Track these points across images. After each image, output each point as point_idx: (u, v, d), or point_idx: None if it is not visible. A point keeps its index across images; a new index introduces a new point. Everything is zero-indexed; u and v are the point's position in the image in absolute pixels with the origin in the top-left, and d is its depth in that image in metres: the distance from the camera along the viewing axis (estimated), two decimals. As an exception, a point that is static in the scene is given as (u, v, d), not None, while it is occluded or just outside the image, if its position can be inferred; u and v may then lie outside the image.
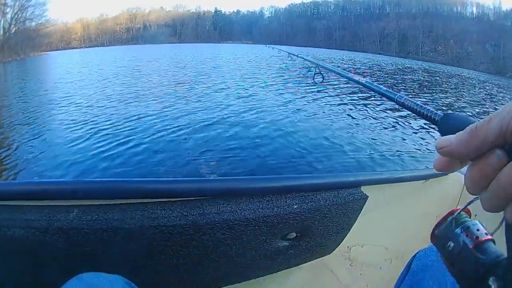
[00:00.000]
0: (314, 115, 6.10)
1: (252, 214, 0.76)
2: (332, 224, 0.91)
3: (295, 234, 0.89)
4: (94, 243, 0.70)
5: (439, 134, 0.32)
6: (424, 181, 1.04)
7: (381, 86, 0.55)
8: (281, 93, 8.16)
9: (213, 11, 76.99)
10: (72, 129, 5.05)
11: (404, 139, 5.01)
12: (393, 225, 1.10)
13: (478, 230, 0.37)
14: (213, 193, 0.75)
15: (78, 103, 7.19)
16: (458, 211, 0.38)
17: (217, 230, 0.75)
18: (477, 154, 0.23)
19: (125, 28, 74.40)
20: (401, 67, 23.26)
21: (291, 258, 0.96)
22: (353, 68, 18.92)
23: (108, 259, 0.74)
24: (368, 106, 7.18)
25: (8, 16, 34.01)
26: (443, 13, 52.91)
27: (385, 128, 5.56)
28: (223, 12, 77.84)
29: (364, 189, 0.91)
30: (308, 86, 8.69)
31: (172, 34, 73.68)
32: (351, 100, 7.65)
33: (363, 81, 0.65)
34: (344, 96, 7.98)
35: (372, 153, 4.22)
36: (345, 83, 9.08)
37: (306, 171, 3.57)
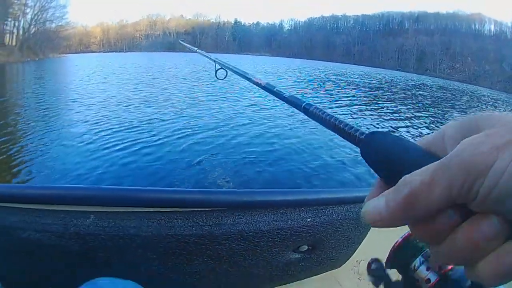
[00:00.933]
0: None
1: (266, 226, 0.80)
2: (344, 238, 0.95)
3: (307, 247, 0.93)
4: (109, 249, 0.73)
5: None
6: None
7: (285, 91, 0.44)
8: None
9: (233, 22, 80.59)
10: (90, 134, 5.20)
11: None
12: None
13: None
14: (229, 204, 0.78)
15: (96, 108, 7.40)
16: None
17: (232, 240, 0.79)
18: (418, 221, 0.18)
19: (145, 34, 77.84)
20: (417, 85, 24.17)
21: (302, 270, 1.00)
22: (368, 83, 19.97)
23: (123, 266, 0.78)
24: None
25: (28, 16, 34.99)
26: (461, 30, 55.08)
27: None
28: (243, 23, 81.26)
29: None
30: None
31: (192, 43, 75.96)
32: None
33: (263, 84, 0.53)
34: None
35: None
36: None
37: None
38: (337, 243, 0.95)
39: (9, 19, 32.89)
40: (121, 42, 73.46)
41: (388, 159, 0.21)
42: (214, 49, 72.70)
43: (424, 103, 13.24)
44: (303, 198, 0.84)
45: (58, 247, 0.72)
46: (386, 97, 13.87)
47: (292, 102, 0.41)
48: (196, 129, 5.74)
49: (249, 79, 0.61)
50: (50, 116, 6.59)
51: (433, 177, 0.17)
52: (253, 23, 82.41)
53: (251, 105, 8.61)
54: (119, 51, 66.28)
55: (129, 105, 7.88)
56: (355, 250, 1.05)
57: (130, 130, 5.43)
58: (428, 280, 0.34)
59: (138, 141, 4.85)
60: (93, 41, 70.26)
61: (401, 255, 0.38)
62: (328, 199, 0.87)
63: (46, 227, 0.70)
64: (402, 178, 0.18)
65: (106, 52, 63.15)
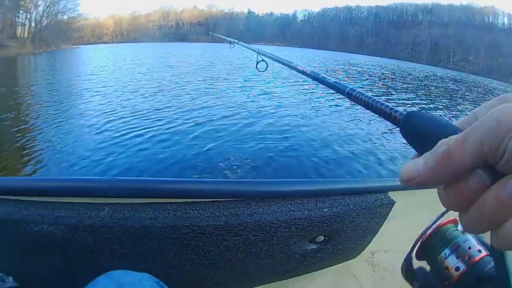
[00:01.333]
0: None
1: (283, 216, 0.79)
2: (360, 228, 0.95)
3: (323, 238, 0.92)
4: (125, 241, 0.73)
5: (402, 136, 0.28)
6: None
7: (329, 77, 0.49)
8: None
9: (246, 12, 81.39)
10: (104, 125, 5.16)
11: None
12: (417, 231, 0.92)
13: (470, 248, 0.35)
14: (246, 194, 0.77)
15: (110, 98, 7.36)
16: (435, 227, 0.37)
17: (249, 231, 0.77)
18: (452, 179, 0.20)
19: (158, 25, 78.72)
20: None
21: (317, 261, 0.99)
22: (381, 73, 20.21)
23: (138, 258, 0.77)
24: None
25: (40, 8, 35.60)
26: (474, 23, 55.70)
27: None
28: (256, 14, 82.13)
29: (391, 194, 0.95)
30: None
31: (205, 33, 77.74)
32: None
33: (308, 71, 0.59)
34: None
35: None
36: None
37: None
38: (352, 233, 0.96)
39: (21, 12, 33.49)
40: (133, 33, 73.93)
41: (426, 135, 0.23)
42: (228, 40, 73.60)
43: (435, 93, 13.66)
44: (321, 188, 0.84)
45: (72, 240, 0.71)
46: (399, 87, 14.36)
47: (336, 87, 0.44)
48: (211, 118, 5.80)
49: (295, 68, 0.65)
50: (63, 107, 6.68)
51: (466, 135, 0.19)
52: (266, 13, 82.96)
53: (264, 93, 8.91)
54: (132, 42, 66.62)
55: (144, 95, 7.98)
56: (370, 241, 1.06)
57: (144, 121, 5.51)
58: (458, 268, 0.36)
59: (153, 131, 4.91)
60: (105, 32, 70.76)
61: (429, 247, 0.40)
62: (345, 189, 0.87)
63: (60, 220, 0.70)
64: (440, 141, 0.20)
65: (118, 43, 63.83)
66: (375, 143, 5.02)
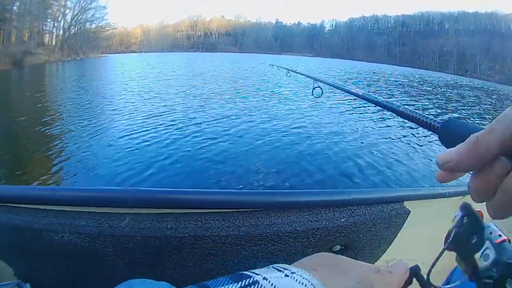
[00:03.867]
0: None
1: (302, 226, 0.82)
2: (375, 238, 0.97)
3: (339, 247, 0.94)
4: (145, 251, 0.75)
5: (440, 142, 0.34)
6: (461, 197, 1.08)
7: (379, 97, 0.59)
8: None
9: (274, 22, 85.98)
10: (127, 135, 5.39)
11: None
12: (431, 240, 1.01)
13: (491, 233, 0.41)
14: (266, 205, 0.80)
15: (135, 109, 7.57)
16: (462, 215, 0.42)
17: (268, 241, 0.80)
18: (480, 165, 0.24)
19: (186, 35, 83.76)
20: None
21: None
22: (411, 84, 20.89)
23: (158, 267, 0.79)
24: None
25: (68, 17, 37.33)
26: (500, 30, 58.84)
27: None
28: (284, 24, 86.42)
29: (407, 204, 0.98)
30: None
31: (233, 43, 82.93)
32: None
33: (361, 93, 0.71)
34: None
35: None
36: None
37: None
38: (368, 243, 0.98)
39: (48, 20, 35.06)
40: (161, 42, 78.73)
41: (461, 138, 0.26)
42: (256, 50, 78.18)
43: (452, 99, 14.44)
44: (338, 198, 0.87)
45: (92, 249, 0.74)
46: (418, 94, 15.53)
47: (386, 105, 0.57)
48: (230, 129, 6.01)
49: (351, 92, 0.76)
50: (87, 116, 6.91)
51: (492, 126, 0.23)
52: (294, 23, 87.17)
53: (277, 101, 9.42)
54: (160, 52, 70.96)
55: (165, 104, 8.31)
56: (385, 251, 1.08)
57: (165, 131, 5.70)
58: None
59: (173, 142, 5.09)
60: (133, 41, 75.98)
61: (458, 235, 0.42)
62: (362, 199, 0.90)
63: (81, 229, 0.73)
64: (471, 135, 0.24)
65: (146, 52, 67.89)
66: (390, 153, 5.23)
